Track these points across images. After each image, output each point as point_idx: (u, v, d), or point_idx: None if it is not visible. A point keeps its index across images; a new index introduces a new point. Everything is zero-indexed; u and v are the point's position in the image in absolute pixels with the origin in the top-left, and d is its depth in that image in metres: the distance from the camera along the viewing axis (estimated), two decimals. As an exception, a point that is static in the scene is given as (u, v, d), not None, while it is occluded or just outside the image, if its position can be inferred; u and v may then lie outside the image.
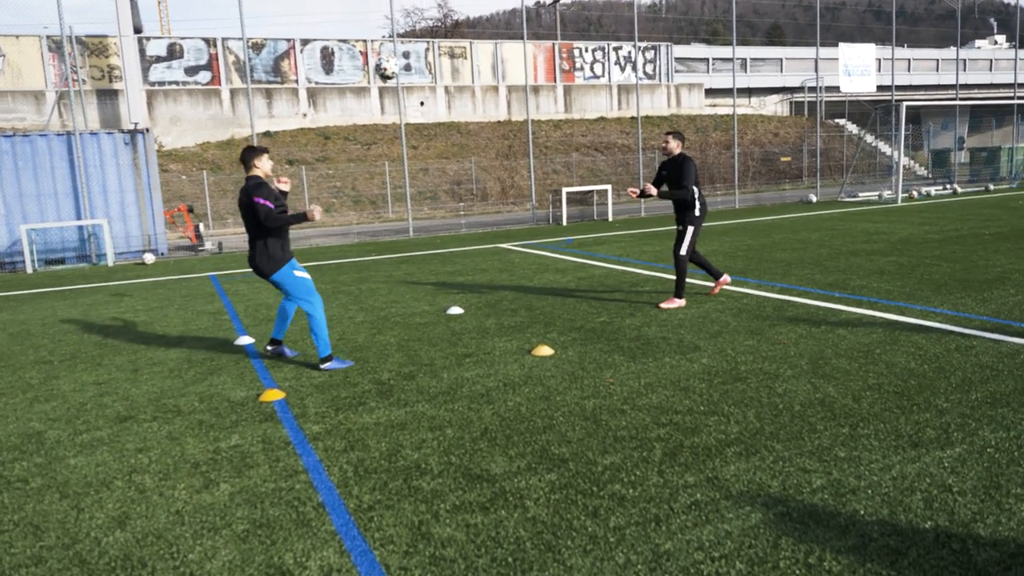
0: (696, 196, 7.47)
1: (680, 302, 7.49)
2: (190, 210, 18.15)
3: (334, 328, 7.26)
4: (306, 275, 5.75)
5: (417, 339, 6.62)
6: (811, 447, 3.75)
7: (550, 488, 3.45)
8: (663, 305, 7.46)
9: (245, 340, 6.86)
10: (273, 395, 5.07)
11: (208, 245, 17.50)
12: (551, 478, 3.55)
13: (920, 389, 4.54)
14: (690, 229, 7.53)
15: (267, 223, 5.43)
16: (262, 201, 5.42)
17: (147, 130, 16.01)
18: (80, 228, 15.31)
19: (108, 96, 27.27)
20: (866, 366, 5.06)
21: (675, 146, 7.48)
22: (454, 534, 3.07)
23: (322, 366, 5.69)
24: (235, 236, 22.19)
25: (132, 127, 18.35)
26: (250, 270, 12.65)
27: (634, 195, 7.51)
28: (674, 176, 7.48)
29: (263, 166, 5.65)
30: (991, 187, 24.33)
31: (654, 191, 7.47)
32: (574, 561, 2.81)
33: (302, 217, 5.45)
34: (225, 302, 9.26)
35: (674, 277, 8.25)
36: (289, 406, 4.88)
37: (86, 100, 25.98)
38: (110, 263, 14.92)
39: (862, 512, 3.06)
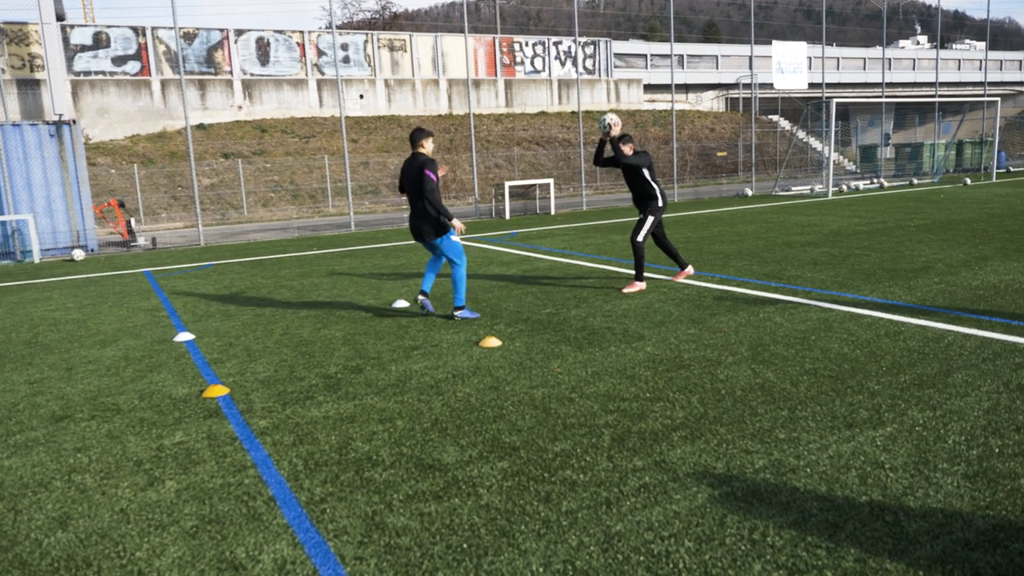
0: (656, 188, 7.89)
1: (641, 285, 7.91)
2: (121, 205, 17.52)
3: (277, 322, 7.15)
4: (460, 240, 6.76)
5: (363, 333, 6.58)
6: (752, 430, 3.89)
7: (502, 475, 3.49)
8: (626, 290, 7.83)
9: (185, 336, 6.69)
10: (217, 391, 4.97)
11: (141, 241, 16.93)
12: (503, 466, 3.60)
13: (853, 373, 4.75)
14: (649, 218, 7.89)
15: (428, 195, 6.38)
16: (432, 176, 6.40)
17: (74, 121, 15.38)
18: (3, 224, 14.62)
19: (30, 86, 26.07)
20: (802, 352, 5.27)
21: (628, 149, 7.89)
22: (408, 523, 3.08)
23: (456, 313, 6.82)
24: (169, 232, 21.54)
25: (57, 118, 17.59)
26: (186, 265, 12.30)
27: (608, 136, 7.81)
28: (624, 165, 7.85)
29: (429, 147, 6.58)
30: (915, 181, 25.44)
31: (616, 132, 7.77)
32: (528, 545, 2.86)
33: (448, 215, 6.51)
34: (162, 298, 9.00)
35: (632, 267, 8.63)
36: (234, 401, 4.80)
37: (6, 90, 24.76)
38: (36, 260, 14.30)
39: (801, 489, 3.20)
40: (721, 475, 3.37)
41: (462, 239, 6.52)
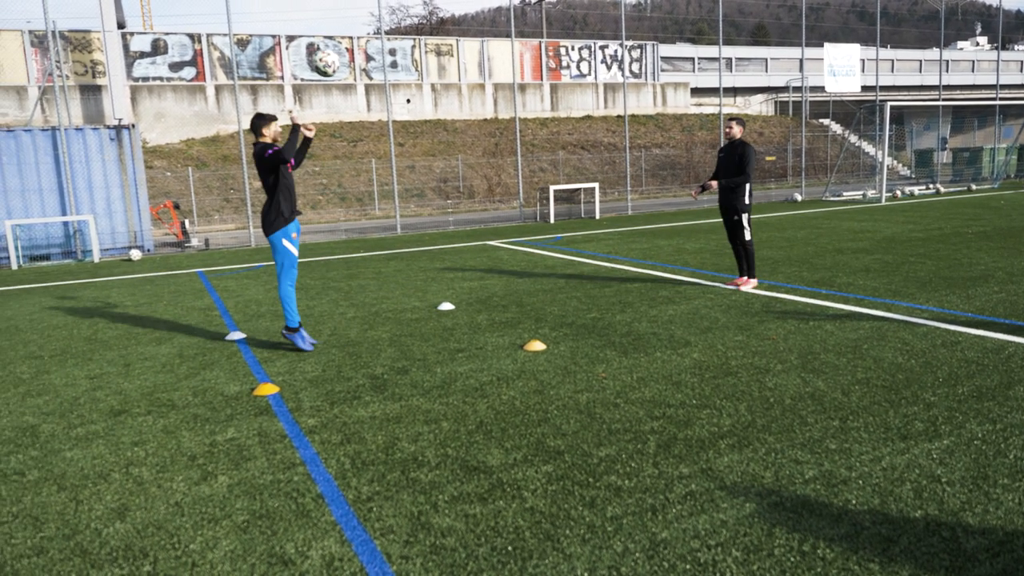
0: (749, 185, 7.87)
1: (754, 281, 8.09)
2: (176, 207, 18.03)
3: (325, 323, 7.27)
4: (294, 250, 6.10)
5: (409, 334, 6.65)
6: (802, 439, 3.82)
7: (547, 479, 3.49)
8: (744, 288, 7.94)
9: (237, 335, 6.85)
10: (267, 389, 5.08)
11: (194, 242, 17.39)
12: (547, 469, 3.60)
13: (908, 383, 4.63)
14: (745, 216, 7.88)
15: (284, 156, 5.80)
16: (271, 152, 5.85)
17: (133, 126, 15.88)
18: (65, 224, 15.18)
19: (91, 92, 27.01)
20: (854, 361, 5.15)
21: (738, 131, 7.80)
22: (454, 524, 3.11)
23: (285, 333, 6.19)
24: (221, 233, 22.09)
25: (116, 123, 18.19)
26: (237, 266, 12.60)
27: (696, 196, 8.11)
28: (733, 161, 7.79)
29: (271, 131, 6.03)
30: (973, 187, 24.65)
31: (713, 184, 7.93)
32: (573, 550, 2.86)
33: (296, 130, 5.88)
34: (214, 298, 9.23)
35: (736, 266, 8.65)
36: (284, 400, 4.89)
37: (69, 96, 25.71)
38: (96, 259, 14.80)
39: (853, 502, 3.13)
40: (769, 485, 3.32)
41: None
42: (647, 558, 2.77)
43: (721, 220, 8.17)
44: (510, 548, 2.89)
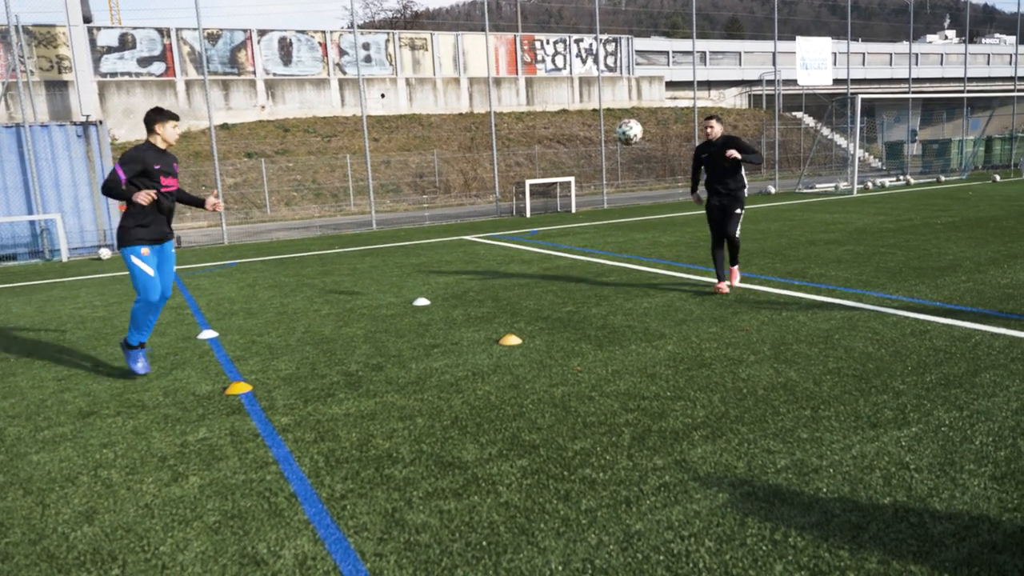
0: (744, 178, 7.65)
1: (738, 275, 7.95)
2: (147, 204, 17.75)
3: (299, 320, 7.20)
4: (147, 268, 5.32)
5: (384, 331, 6.61)
6: (775, 429, 3.86)
7: (522, 473, 3.49)
8: (735, 282, 7.78)
9: (209, 334, 6.77)
10: (240, 388, 5.02)
11: (166, 239, 17.14)
12: (522, 464, 3.60)
13: (878, 372, 4.69)
14: (741, 211, 7.60)
15: (103, 190, 5.09)
16: (118, 170, 5.09)
17: (100, 122, 15.60)
18: (32, 223, 14.88)
19: (57, 87, 26.48)
20: (826, 351, 5.21)
21: (719, 130, 7.46)
22: (428, 520, 3.09)
23: (123, 350, 5.46)
24: (193, 231, 21.80)
25: (84, 119, 17.86)
26: (209, 264, 12.44)
27: (698, 201, 7.97)
28: (718, 157, 7.39)
29: (165, 133, 5.28)
30: (942, 178, 25.04)
31: (699, 196, 7.84)
32: (548, 543, 2.86)
33: (126, 194, 5.08)
34: (186, 296, 9.10)
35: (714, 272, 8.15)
36: (256, 399, 4.84)
37: (34, 91, 25.18)
38: (64, 259, 14.54)
39: (824, 490, 3.16)
40: (742, 475, 3.34)
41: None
42: (621, 550, 2.77)
43: (705, 214, 7.78)
44: (484, 543, 2.88)
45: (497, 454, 3.73)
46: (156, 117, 5.27)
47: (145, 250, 5.32)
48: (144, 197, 5.04)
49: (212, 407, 4.72)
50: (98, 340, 6.85)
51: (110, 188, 5.12)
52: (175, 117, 5.34)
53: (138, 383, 5.35)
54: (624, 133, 6.86)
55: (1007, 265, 8.13)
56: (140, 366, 5.47)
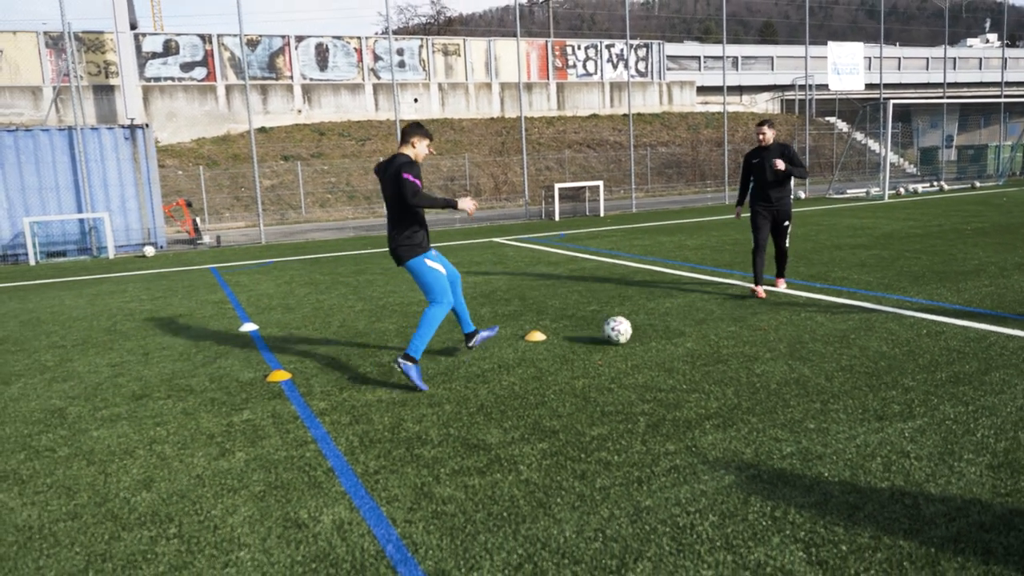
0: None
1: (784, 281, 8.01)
2: (188, 205, 18.36)
3: (334, 316, 7.54)
4: (440, 268, 5.22)
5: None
6: (784, 420, 4.05)
7: (542, 455, 3.74)
8: (779, 288, 7.84)
9: (249, 327, 7.13)
10: (280, 376, 5.34)
11: (206, 239, 17.71)
12: (543, 447, 3.85)
13: (889, 370, 4.85)
14: (790, 222, 7.63)
15: (414, 201, 4.94)
16: (411, 178, 4.94)
17: (146, 125, 16.21)
18: (81, 221, 15.52)
19: (104, 92, 27.40)
20: (840, 349, 5.37)
21: (771, 136, 7.46)
22: (454, 494, 3.36)
23: (400, 361, 4.92)
24: (232, 230, 22.42)
25: (130, 122, 18.53)
26: (248, 262, 12.89)
27: (739, 216, 8.26)
28: (769, 165, 7.39)
29: (420, 149, 5.18)
30: (977, 184, 24.73)
31: (741, 212, 7.96)
32: (563, 515, 3.10)
33: (451, 204, 5.07)
34: (227, 292, 9.51)
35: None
36: (295, 385, 5.16)
37: (83, 96, 26.11)
38: (111, 256, 15.14)
39: (826, 474, 3.36)
40: (749, 460, 3.55)
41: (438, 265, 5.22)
42: (631, 522, 3.01)
43: (751, 222, 7.59)
44: (505, 514, 3.14)
45: (519, 438, 3.99)
46: (419, 132, 5.20)
47: (435, 253, 5.30)
48: (472, 204, 5.10)
49: (255, 392, 5.05)
50: (147, 331, 7.25)
51: (423, 198, 4.98)
52: (431, 136, 5.30)
53: (186, 370, 5.70)
54: (609, 337, 6.00)
55: (1031, 270, 8.17)
56: (421, 381, 5.01)
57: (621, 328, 5.84)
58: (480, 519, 3.11)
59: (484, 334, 5.65)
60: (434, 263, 5.17)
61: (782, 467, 3.46)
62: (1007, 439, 3.65)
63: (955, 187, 24.42)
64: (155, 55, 28.90)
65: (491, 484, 3.43)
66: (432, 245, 5.50)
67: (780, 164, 7.16)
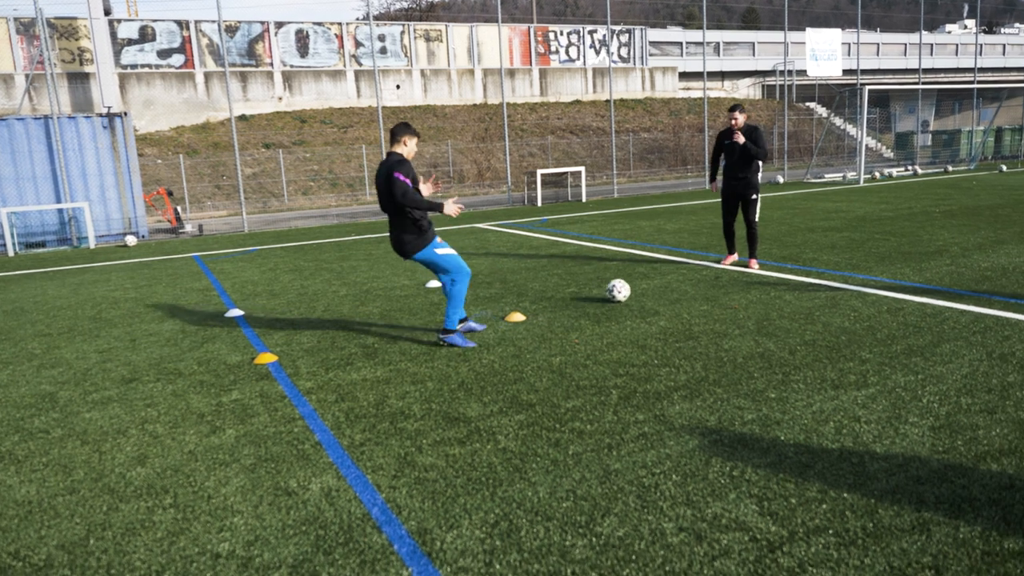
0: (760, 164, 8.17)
1: (757, 262, 8.33)
2: (169, 193, 18.34)
3: (319, 300, 7.70)
4: (450, 250, 5.59)
5: (398, 310, 7.09)
6: (747, 390, 4.29)
7: (519, 426, 3.95)
8: (753, 268, 8.14)
9: (235, 312, 7.28)
10: (266, 358, 5.51)
11: (188, 228, 17.73)
12: (520, 418, 4.06)
13: (849, 343, 5.11)
14: (758, 195, 8.19)
15: (403, 200, 5.24)
16: (402, 177, 5.25)
17: (125, 114, 16.17)
18: (60, 211, 15.50)
19: (79, 79, 27.15)
20: (805, 325, 5.63)
21: (742, 120, 8.05)
22: (435, 462, 3.56)
23: (443, 338, 5.56)
24: (214, 219, 22.40)
25: (107, 110, 18.46)
26: (232, 250, 12.97)
27: (715, 189, 8.59)
28: (741, 146, 7.99)
29: (411, 147, 5.52)
30: (950, 168, 25.18)
31: (717, 186, 8.47)
32: (537, 479, 3.32)
33: (438, 207, 5.34)
34: (211, 279, 9.63)
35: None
36: (282, 367, 5.33)
37: (57, 83, 25.85)
38: (92, 245, 15.14)
39: (782, 438, 3.60)
40: (712, 426, 3.79)
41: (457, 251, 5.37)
42: (600, 483, 3.23)
43: (720, 202, 8.36)
44: (483, 479, 3.35)
45: (498, 411, 4.20)
46: (409, 130, 5.53)
47: (439, 240, 5.61)
48: (456, 208, 5.47)
49: (242, 374, 5.22)
50: (133, 319, 7.38)
51: (411, 198, 5.26)
52: (419, 134, 5.64)
53: (173, 355, 5.86)
54: (610, 292, 6.84)
55: (991, 250, 8.48)
56: (467, 341, 5.59)
57: (622, 289, 6.73)
58: (460, 484, 3.32)
59: (471, 324, 6.01)
60: (443, 249, 5.57)
61: (743, 432, 3.69)
62: (950, 404, 3.90)
63: (928, 171, 24.86)
64: (131, 42, 28.64)
65: (470, 453, 3.64)
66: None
67: (740, 137, 7.92)
